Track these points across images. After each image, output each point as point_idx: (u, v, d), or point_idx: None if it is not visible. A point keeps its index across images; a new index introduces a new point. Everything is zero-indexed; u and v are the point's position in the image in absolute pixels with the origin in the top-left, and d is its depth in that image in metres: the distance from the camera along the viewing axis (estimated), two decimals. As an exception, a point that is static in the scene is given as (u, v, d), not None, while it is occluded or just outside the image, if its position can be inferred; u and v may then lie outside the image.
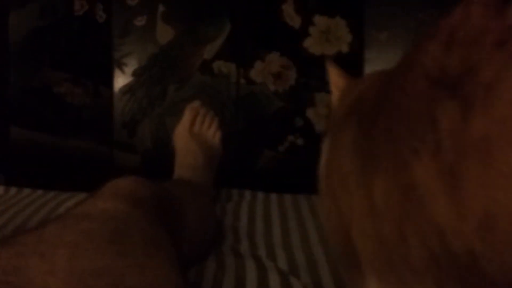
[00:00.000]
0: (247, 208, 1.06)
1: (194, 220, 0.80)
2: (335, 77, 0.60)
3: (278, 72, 1.41)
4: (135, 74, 1.40)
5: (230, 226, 0.97)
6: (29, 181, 1.26)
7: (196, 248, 0.81)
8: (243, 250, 0.86)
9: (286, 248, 0.87)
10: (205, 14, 1.41)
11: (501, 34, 0.26)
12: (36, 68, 1.39)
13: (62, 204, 1.05)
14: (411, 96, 0.30)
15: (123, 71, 1.40)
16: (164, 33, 1.40)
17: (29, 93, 1.39)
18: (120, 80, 1.40)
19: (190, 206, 0.82)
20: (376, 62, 1.42)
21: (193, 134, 1.13)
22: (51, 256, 0.48)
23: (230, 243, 0.89)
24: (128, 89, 1.40)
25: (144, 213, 0.60)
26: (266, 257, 0.83)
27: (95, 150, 1.40)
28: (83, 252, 0.49)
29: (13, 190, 1.17)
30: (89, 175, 1.38)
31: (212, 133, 1.16)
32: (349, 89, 0.52)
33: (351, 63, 1.42)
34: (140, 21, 1.40)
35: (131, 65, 1.40)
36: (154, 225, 0.60)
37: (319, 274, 0.78)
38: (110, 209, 0.57)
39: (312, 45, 1.42)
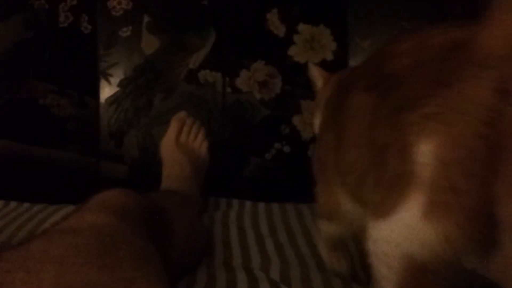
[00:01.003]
0: (235, 218, 1.06)
1: (182, 231, 0.80)
2: (317, 72, 0.64)
3: (263, 80, 1.42)
4: (121, 84, 1.41)
5: (219, 237, 0.97)
6: (15, 193, 1.26)
7: (185, 259, 0.81)
8: (235, 262, 0.86)
9: (280, 258, 0.87)
10: (190, 24, 1.42)
11: None
12: (22, 80, 1.39)
13: (50, 217, 1.04)
14: None
15: (109, 82, 1.41)
16: (150, 44, 1.40)
17: (15, 105, 1.38)
18: (106, 91, 1.40)
19: (178, 217, 0.82)
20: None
21: (180, 144, 1.13)
22: (38, 272, 0.47)
23: (221, 255, 0.89)
24: (114, 100, 1.41)
25: (131, 226, 0.60)
26: (259, 269, 0.83)
27: (81, 161, 1.40)
28: (70, 267, 0.49)
29: (-1, 203, 1.16)
30: (76, 186, 1.37)
31: (199, 143, 1.16)
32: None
33: (335, 71, 1.43)
34: (125, 32, 1.40)
35: (117, 75, 1.41)
36: (142, 238, 0.60)
37: (312, 284, 0.78)
38: (97, 223, 0.57)
39: (297, 53, 1.43)
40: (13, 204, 1.16)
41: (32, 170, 1.39)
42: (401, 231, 0.50)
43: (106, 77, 1.40)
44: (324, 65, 1.42)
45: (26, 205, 1.14)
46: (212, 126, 1.39)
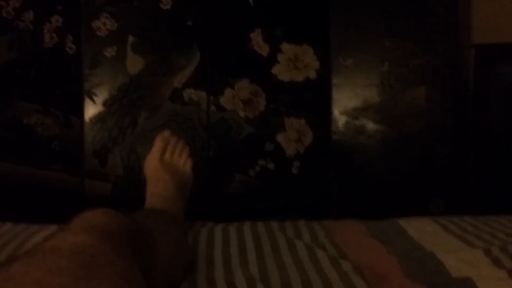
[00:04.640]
0: (221, 236, 1.07)
1: (166, 250, 0.80)
2: None
3: (248, 99, 1.44)
4: (105, 104, 1.41)
5: (203, 253, 0.98)
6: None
7: (169, 278, 0.81)
8: (217, 278, 0.87)
9: (262, 274, 0.88)
10: (174, 44, 1.43)
11: None
12: (6, 101, 1.39)
13: (33, 236, 1.04)
14: None
15: (93, 101, 1.41)
16: (134, 63, 1.42)
17: (0, 124, 1.39)
18: (91, 110, 1.41)
19: (162, 236, 0.82)
20: (343, 87, 1.46)
21: (164, 163, 1.13)
22: None
23: (204, 271, 0.90)
24: (99, 119, 1.41)
25: (114, 246, 0.60)
26: (242, 283, 0.83)
27: (66, 180, 1.40)
28: None
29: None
30: (61, 205, 1.37)
31: (183, 162, 1.16)
32: None
33: (319, 89, 1.45)
34: (110, 52, 1.41)
35: (102, 95, 1.41)
36: (125, 258, 0.60)
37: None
38: (79, 243, 0.57)
39: (280, 72, 1.45)
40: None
41: (16, 189, 1.39)
42: None
43: (91, 96, 1.41)
44: (307, 83, 1.44)
45: (8, 224, 1.14)
46: (197, 144, 1.40)
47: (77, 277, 0.51)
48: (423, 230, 1.08)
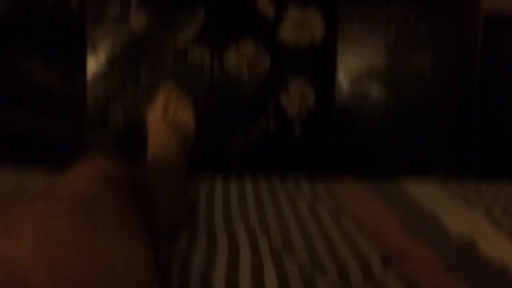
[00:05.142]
0: (221, 190, 1.07)
1: (166, 199, 0.80)
2: None
3: (252, 59, 1.42)
4: (108, 60, 1.40)
5: (204, 206, 0.98)
6: (1, 160, 1.25)
7: (168, 225, 0.82)
8: (217, 228, 0.87)
9: (262, 225, 0.88)
10: (179, 1, 1.41)
11: None
12: (10, 57, 1.38)
13: (34, 183, 1.04)
14: None
15: (96, 58, 1.40)
16: (138, 20, 1.40)
17: (2, 78, 1.38)
18: (93, 66, 1.40)
19: (163, 188, 0.82)
20: (349, 52, 1.45)
21: (166, 118, 1.12)
22: (18, 236, 0.47)
23: (203, 223, 0.90)
24: (101, 75, 1.40)
25: (114, 192, 0.60)
26: (242, 234, 0.83)
27: (68, 136, 1.40)
28: (50, 232, 0.49)
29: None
30: (62, 159, 1.37)
31: (186, 118, 1.15)
32: None
33: (324, 53, 1.44)
34: (113, 8, 1.39)
35: (105, 52, 1.40)
36: (125, 204, 0.60)
37: (295, 250, 0.79)
38: (80, 189, 0.57)
39: (286, 34, 1.43)
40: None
41: (18, 140, 1.39)
42: None
43: (94, 53, 1.40)
44: (312, 48, 1.43)
45: (10, 169, 1.14)
46: (199, 103, 1.39)
47: (77, 222, 0.52)
48: (424, 191, 1.08)
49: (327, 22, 1.44)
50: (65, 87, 1.40)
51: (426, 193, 1.07)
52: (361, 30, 1.45)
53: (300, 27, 1.44)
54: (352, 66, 1.45)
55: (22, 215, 0.51)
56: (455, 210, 0.98)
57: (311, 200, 1.01)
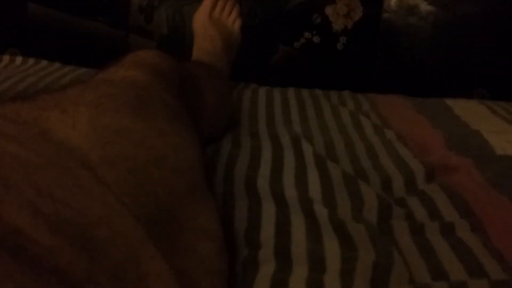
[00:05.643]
0: (265, 96, 1.07)
1: (212, 98, 0.81)
2: None
3: (299, -35, 1.38)
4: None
5: (247, 110, 0.98)
6: (44, 56, 1.26)
7: (213, 127, 0.82)
8: (261, 132, 0.88)
9: (305, 133, 0.88)
10: None
11: None
12: None
13: (80, 77, 1.05)
14: None
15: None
16: None
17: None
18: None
19: (209, 85, 0.82)
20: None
21: (213, 19, 1.11)
22: (73, 112, 0.47)
23: (247, 126, 0.90)
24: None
25: (165, 85, 0.60)
26: (284, 136, 0.84)
27: (110, 33, 1.39)
28: (104, 111, 0.49)
29: (30, 60, 1.16)
30: (104, 57, 1.37)
31: (232, 20, 1.14)
32: None
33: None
34: None
35: None
36: (175, 97, 0.60)
37: (338, 159, 0.80)
38: (131, 77, 0.57)
39: None
40: (44, 62, 1.16)
41: (61, 36, 1.39)
42: None
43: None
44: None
45: (56, 64, 1.15)
46: (243, 9, 1.36)
47: (130, 106, 0.52)
48: (469, 110, 1.07)
49: None
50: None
51: (471, 112, 1.06)
52: None
53: None
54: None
55: (78, 93, 0.51)
56: (499, 128, 0.97)
57: (354, 113, 1.00)
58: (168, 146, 0.52)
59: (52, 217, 0.36)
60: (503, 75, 1.43)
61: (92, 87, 0.54)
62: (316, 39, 1.41)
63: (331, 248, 0.54)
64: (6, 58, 1.18)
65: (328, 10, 1.40)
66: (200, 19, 1.12)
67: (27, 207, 0.35)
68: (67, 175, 0.41)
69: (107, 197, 0.42)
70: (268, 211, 0.61)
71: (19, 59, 1.16)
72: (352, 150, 0.83)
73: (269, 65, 1.42)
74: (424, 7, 1.41)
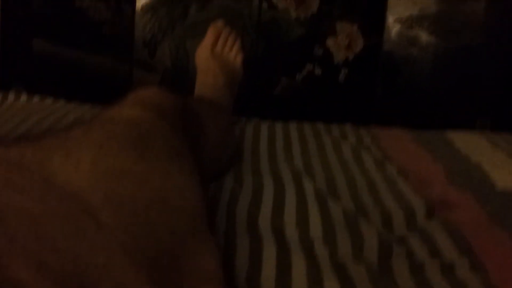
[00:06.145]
0: (267, 131, 1.08)
1: (214, 136, 0.81)
2: None
3: (300, -2, 1.40)
4: (157, -7, 1.40)
5: (249, 146, 0.99)
6: (49, 93, 1.28)
7: (215, 164, 0.83)
8: (263, 168, 0.88)
9: (307, 169, 0.89)
10: None
11: None
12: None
13: (85, 115, 1.06)
14: None
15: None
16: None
17: (52, 6, 1.39)
18: (142, -1, 1.40)
19: (211, 122, 0.83)
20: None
21: (215, 54, 1.13)
22: (76, 154, 0.48)
23: (249, 163, 0.91)
24: (150, 8, 1.40)
25: (167, 123, 0.61)
26: (287, 174, 0.84)
27: (115, 67, 1.41)
28: (107, 152, 0.50)
29: (36, 98, 1.18)
30: (109, 91, 1.39)
31: (234, 55, 1.15)
32: None
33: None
34: None
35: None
36: (177, 135, 0.61)
37: (339, 196, 0.80)
38: (134, 116, 0.58)
39: (336, -27, 1.39)
40: (48, 100, 1.18)
41: (66, 71, 1.41)
42: None
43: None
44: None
45: (61, 101, 1.16)
46: (246, 41, 1.38)
47: (133, 146, 0.53)
48: (470, 143, 1.07)
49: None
50: (114, 20, 1.40)
51: (472, 144, 1.06)
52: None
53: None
54: (402, 10, 1.41)
55: (82, 133, 0.52)
56: (501, 162, 0.97)
57: (356, 147, 1.01)
58: (170, 187, 0.53)
59: (56, 269, 0.36)
60: (505, 105, 1.44)
61: (96, 127, 0.54)
62: (317, 71, 1.42)
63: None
64: (11, 96, 1.19)
65: (329, 42, 1.41)
66: (202, 54, 1.13)
67: (32, 260, 0.35)
68: (70, 223, 0.42)
69: (110, 244, 0.42)
70: (269, 251, 0.61)
71: (24, 97, 1.18)
72: (353, 186, 0.84)
73: (272, 96, 1.43)
74: (425, 38, 1.42)
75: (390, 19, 1.41)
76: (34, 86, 1.39)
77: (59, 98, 1.23)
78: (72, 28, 1.41)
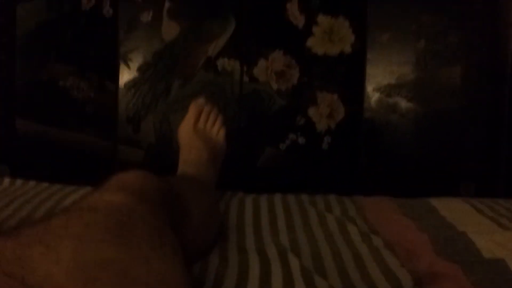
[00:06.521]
0: (252, 206, 1.07)
1: (198, 216, 0.81)
2: None
3: (281, 70, 1.43)
4: (140, 69, 1.42)
5: (234, 222, 0.99)
6: (33, 172, 1.28)
7: (200, 244, 0.82)
8: (248, 245, 0.87)
9: (292, 245, 0.88)
10: (210, 11, 1.42)
11: None
12: (42, 62, 1.41)
13: (67, 197, 1.06)
14: None
15: (128, 67, 1.42)
16: (170, 30, 1.41)
17: (35, 86, 1.40)
18: (125, 75, 1.42)
19: (194, 202, 0.82)
20: (378, 63, 1.44)
21: (198, 130, 1.14)
22: (56, 247, 0.48)
23: (234, 239, 0.90)
24: (133, 85, 1.42)
25: (149, 207, 0.61)
26: (272, 251, 0.84)
27: (99, 144, 1.41)
28: (87, 243, 0.50)
29: (18, 182, 1.17)
30: (93, 169, 1.39)
31: (217, 130, 1.16)
32: None
33: (353, 64, 1.44)
34: (146, 17, 1.41)
35: (136, 60, 1.42)
36: (159, 219, 0.61)
37: (326, 272, 0.79)
38: (115, 202, 0.58)
39: (315, 44, 1.43)
40: (32, 183, 1.17)
41: (50, 150, 1.41)
42: None
43: (126, 61, 1.42)
44: (342, 57, 1.43)
45: (44, 184, 1.16)
46: (228, 114, 1.40)
47: (114, 234, 0.52)
48: (454, 210, 1.07)
49: (356, 32, 1.43)
50: (97, 98, 1.42)
51: (457, 212, 1.06)
52: (391, 40, 1.44)
53: (329, 38, 1.43)
54: (381, 77, 1.45)
55: (62, 224, 0.52)
56: (486, 229, 0.97)
57: (341, 219, 1.01)
58: (152, 274, 0.52)
59: None
60: (488, 167, 1.45)
61: (77, 217, 0.54)
62: (301, 140, 1.44)
63: None
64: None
65: (311, 112, 1.44)
66: (184, 132, 1.14)
67: None
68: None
69: None
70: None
71: (6, 181, 1.17)
72: (340, 261, 0.83)
73: (256, 167, 1.44)
74: (404, 104, 1.45)
75: (369, 88, 1.44)
76: (18, 165, 1.38)
77: (43, 177, 1.22)
78: (55, 107, 1.42)
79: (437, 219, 1.02)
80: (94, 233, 0.52)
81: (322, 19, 1.43)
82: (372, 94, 1.44)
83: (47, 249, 0.48)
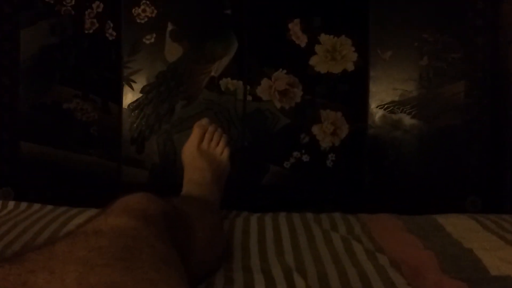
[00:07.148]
0: (256, 225, 1.07)
1: (203, 237, 0.81)
2: None
3: (284, 89, 1.43)
4: (143, 91, 1.43)
5: (239, 241, 0.98)
6: (38, 195, 1.28)
7: (205, 265, 0.82)
8: (253, 265, 0.87)
9: (298, 264, 0.88)
10: (213, 32, 1.43)
11: None
12: (46, 85, 1.41)
13: (72, 220, 1.06)
14: None
15: (132, 88, 1.43)
16: (173, 51, 1.42)
17: (39, 109, 1.41)
18: (129, 97, 1.42)
19: (199, 223, 0.82)
20: (381, 81, 1.44)
21: (201, 151, 1.14)
22: (61, 273, 0.48)
23: (239, 258, 0.90)
24: (136, 106, 1.42)
25: (153, 230, 0.61)
26: (278, 271, 0.83)
27: (103, 166, 1.42)
28: (92, 268, 0.50)
29: (23, 205, 1.18)
30: (98, 190, 1.39)
31: (220, 150, 1.17)
32: None
33: (356, 81, 1.44)
34: (149, 39, 1.42)
35: (140, 82, 1.43)
36: (164, 242, 0.61)
37: (330, 284, 0.79)
38: (120, 226, 0.58)
39: (318, 63, 1.44)
40: (36, 206, 1.18)
41: (54, 173, 1.41)
42: None
43: (129, 83, 1.43)
44: (344, 75, 1.43)
45: (49, 207, 1.16)
46: (232, 134, 1.40)
47: (118, 258, 0.52)
48: (460, 227, 1.07)
49: (359, 50, 1.44)
50: (101, 119, 1.42)
51: (463, 229, 1.06)
52: (393, 58, 1.44)
53: (332, 56, 1.44)
54: (384, 94, 1.45)
55: (66, 249, 0.52)
56: (492, 246, 0.96)
57: (346, 238, 1.00)
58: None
59: None
60: (493, 181, 1.45)
61: (81, 241, 0.54)
62: (305, 157, 1.43)
63: None
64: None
65: (315, 129, 1.44)
66: (188, 152, 1.14)
67: None
68: None
69: None
70: None
71: (11, 204, 1.18)
72: (346, 280, 0.82)
73: (261, 185, 1.44)
74: (408, 120, 1.45)
75: (373, 105, 1.45)
76: (22, 188, 1.39)
77: (48, 199, 1.23)
78: (59, 129, 1.42)
79: (443, 236, 1.02)
80: (99, 257, 0.51)
81: (324, 38, 1.43)
82: (376, 111, 1.45)
83: (51, 276, 0.48)
